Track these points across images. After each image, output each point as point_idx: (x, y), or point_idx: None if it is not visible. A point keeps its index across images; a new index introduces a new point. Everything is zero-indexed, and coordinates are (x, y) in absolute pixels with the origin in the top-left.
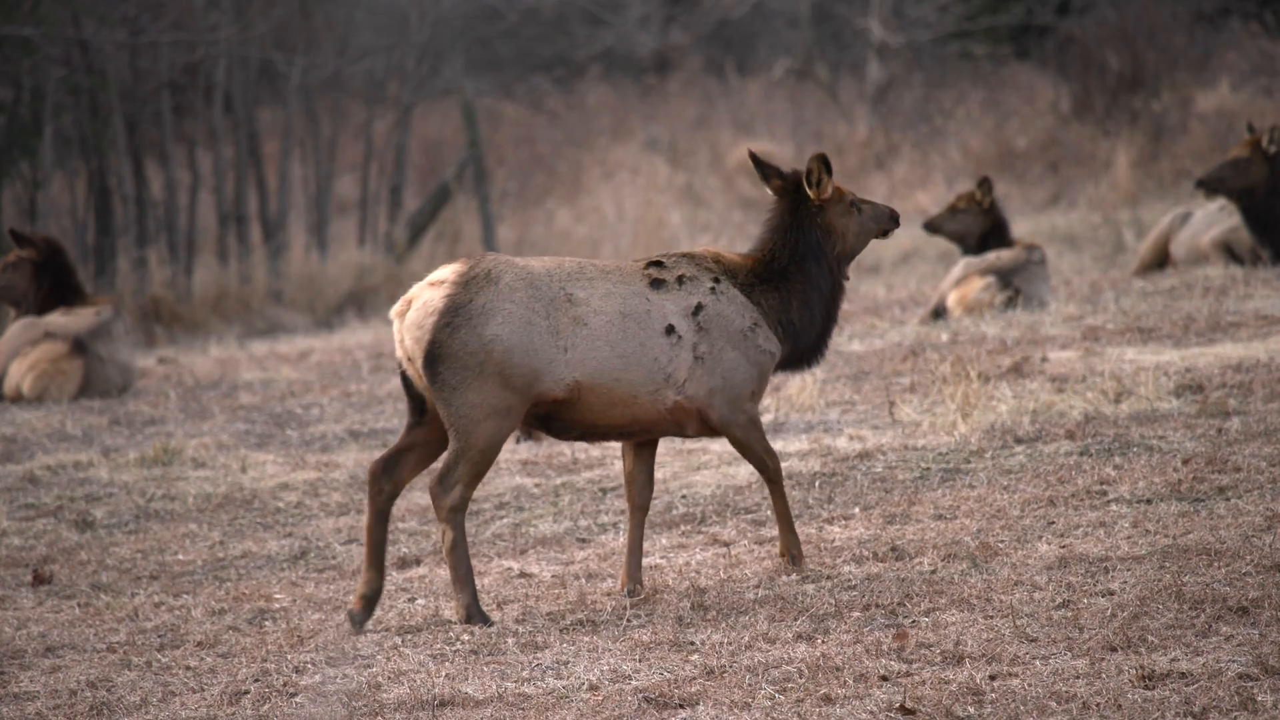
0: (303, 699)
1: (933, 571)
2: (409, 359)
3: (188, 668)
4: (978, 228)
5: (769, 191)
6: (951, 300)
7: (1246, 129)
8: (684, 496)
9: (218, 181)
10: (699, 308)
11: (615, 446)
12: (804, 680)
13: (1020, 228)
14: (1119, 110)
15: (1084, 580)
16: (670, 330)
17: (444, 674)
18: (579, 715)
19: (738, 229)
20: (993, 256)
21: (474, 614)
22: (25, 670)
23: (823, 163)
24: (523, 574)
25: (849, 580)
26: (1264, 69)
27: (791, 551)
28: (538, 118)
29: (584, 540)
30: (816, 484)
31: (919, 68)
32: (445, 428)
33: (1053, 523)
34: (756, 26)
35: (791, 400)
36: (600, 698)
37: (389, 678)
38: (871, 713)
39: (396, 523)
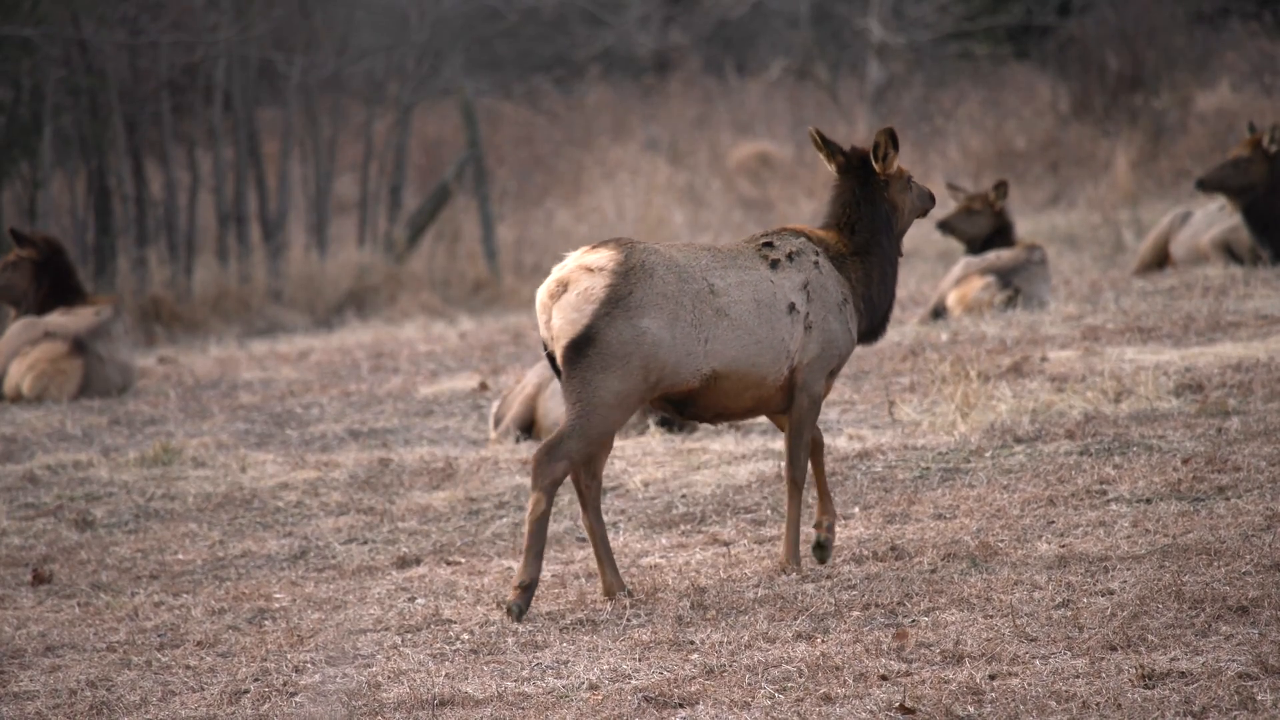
0: (302, 698)
1: (932, 571)
2: (553, 338)
3: (187, 667)
4: (987, 229)
5: (831, 169)
6: (951, 300)
7: (1248, 129)
8: (684, 496)
9: (217, 181)
10: (807, 282)
11: (615, 446)
12: (804, 679)
13: (1020, 228)
14: (1119, 110)
15: (1084, 580)
16: (792, 308)
17: (444, 673)
18: (579, 715)
19: (738, 229)
20: (993, 256)
21: (524, 599)
22: (25, 669)
23: (890, 137)
24: None
25: (849, 580)
26: (1264, 69)
27: (829, 519)
28: (537, 118)
29: (584, 540)
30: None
31: (919, 68)
32: (567, 403)
33: (1052, 522)
34: (756, 26)
35: None
36: (600, 697)
37: (389, 677)
38: (871, 712)
39: (396, 522)
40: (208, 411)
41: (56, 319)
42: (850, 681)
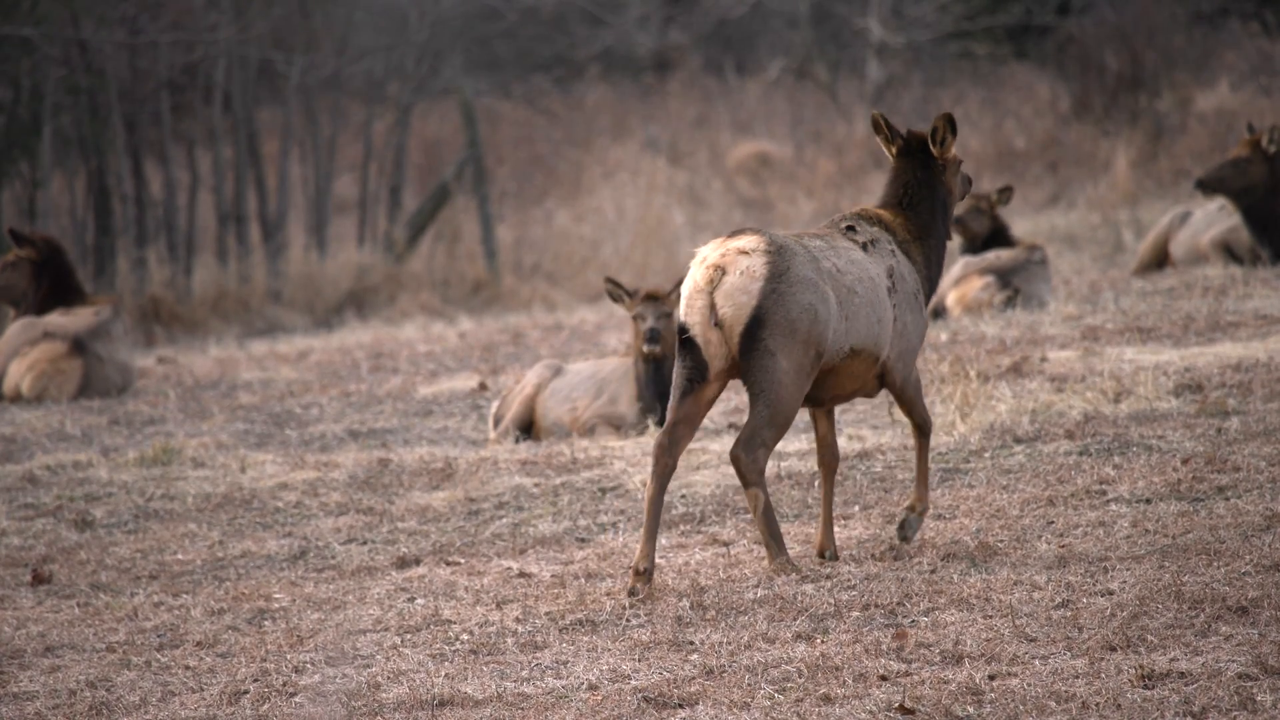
0: (302, 699)
1: (932, 571)
2: (716, 324)
3: (187, 667)
4: (987, 228)
5: (890, 154)
6: (951, 300)
7: (1247, 129)
8: (683, 496)
9: (217, 181)
10: (891, 269)
11: (615, 447)
12: (803, 680)
13: (1020, 228)
14: (1118, 110)
15: (1083, 580)
16: (889, 291)
17: (443, 674)
18: (578, 715)
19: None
20: (992, 256)
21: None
22: (25, 670)
23: (949, 122)
24: (522, 574)
25: (848, 580)
26: (1263, 69)
27: (919, 506)
28: (537, 118)
29: (583, 540)
30: (816, 483)
31: (918, 67)
32: (752, 393)
33: (1052, 522)
34: (756, 26)
35: None
36: (600, 697)
37: (388, 677)
38: (871, 712)
39: (396, 523)
40: (207, 412)
41: (56, 319)
42: (850, 682)
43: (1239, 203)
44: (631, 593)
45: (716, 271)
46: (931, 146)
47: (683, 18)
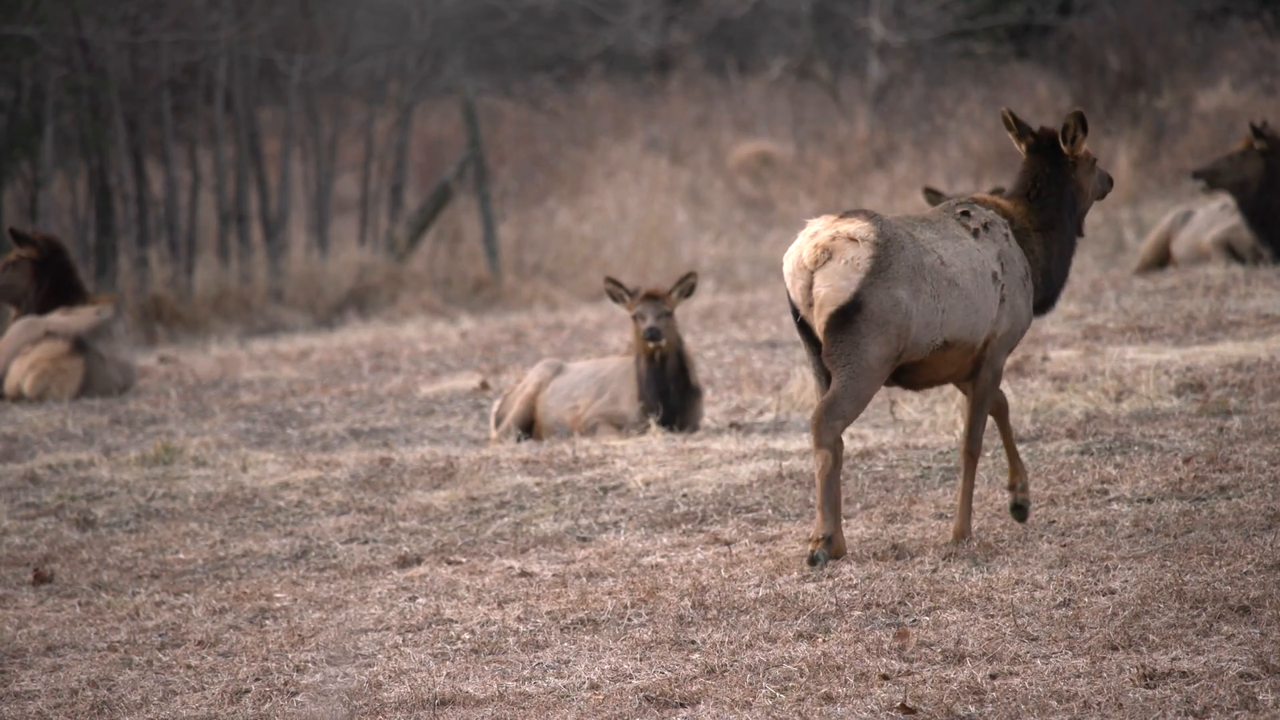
0: (304, 698)
1: (933, 570)
2: (811, 304)
3: (189, 666)
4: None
5: (1020, 149)
6: None
7: (1250, 127)
8: (685, 495)
9: (218, 180)
10: (1001, 253)
11: (617, 446)
12: (805, 679)
13: None
14: (1119, 110)
15: (1085, 579)
16: (995, 277)
17: (445, 673)
18: (580, 714)
19: (739, 228)
20: None
21: (826, 549)
22: (26, 669)
23: (1079, 120)
24: (524, 573)
25: (849, 579)
26: (1264, 68)
27: (1021, 481)
28: (538, 117)
29: (585, 539)
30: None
31: (919, 67)
32: (833, 368)
33: (1053, 521)
34: (757, 26)
35: (792, 399)
36: (601, 697)
37: (390, 676)
38: (872, 712)
39: (397, 522)
40: (209, 411)
41: (57, 319)
42: (851, 681)
43: (1236, 197)
44: (812, 560)
45: (822, 253)
46: (1061, 144)
47: (684, 17)
